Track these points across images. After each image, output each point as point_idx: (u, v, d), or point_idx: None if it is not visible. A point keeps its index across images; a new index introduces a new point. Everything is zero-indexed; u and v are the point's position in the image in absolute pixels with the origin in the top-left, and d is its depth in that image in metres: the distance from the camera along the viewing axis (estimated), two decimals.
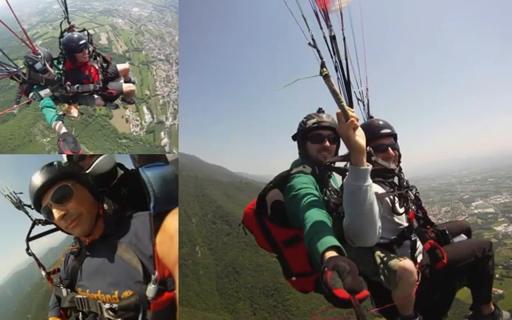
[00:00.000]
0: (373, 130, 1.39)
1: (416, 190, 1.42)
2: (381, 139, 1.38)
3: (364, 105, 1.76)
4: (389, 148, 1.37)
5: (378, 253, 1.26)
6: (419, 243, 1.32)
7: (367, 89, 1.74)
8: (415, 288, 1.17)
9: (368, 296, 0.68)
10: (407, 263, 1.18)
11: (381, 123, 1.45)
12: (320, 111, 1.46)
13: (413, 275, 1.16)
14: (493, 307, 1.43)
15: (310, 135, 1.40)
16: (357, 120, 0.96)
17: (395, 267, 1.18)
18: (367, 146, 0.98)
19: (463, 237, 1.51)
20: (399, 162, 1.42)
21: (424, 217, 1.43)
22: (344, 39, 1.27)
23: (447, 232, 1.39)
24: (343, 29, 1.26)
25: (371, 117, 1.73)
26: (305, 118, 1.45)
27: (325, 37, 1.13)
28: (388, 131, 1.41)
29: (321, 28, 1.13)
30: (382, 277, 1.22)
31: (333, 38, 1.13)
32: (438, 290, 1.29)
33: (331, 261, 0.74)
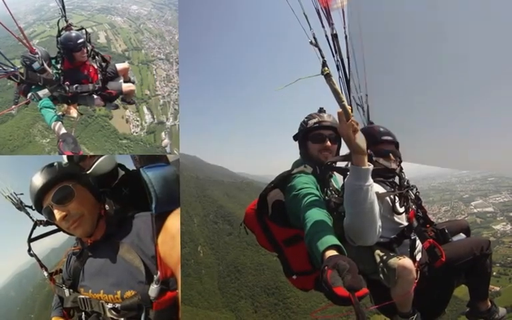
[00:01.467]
0: (375, 135, 1.39)
1: (416, 190, 1.43)
2: (382, 144, 1.38)
3: (363, 111, 1.77)
4: (390, 153, 1.37)
5: (377, 251, 1.27)
6: (418, 241, 1.33)
7: (366, 95, 1.75)
8: (414, 286, 1.18)
9: (367, 294, 0.69)
10: (406, 261, 1.19)
11: (381, 129, 1.44)
12: (321, 110, 1.46)
13: (411, 273, 1.18)
14: (489, 303, 1.44)
15: (311, 135, 1.39)
16: (357, 124, 0.96)
17: (394, 266, 1.19)
18: (367, 149, 0.98)
19: (462, 235, 1.52)
20: (400, 162, 1.42)
21: (424, 217, 1.44)
22: (346, 37, 1.27)
23: (446, 231, 1.40)
24: (344, 27, 1.26)
25: (371, 123, 1.72)
26: (306, 118, 1.45)
27: (326, 35, 1.13)
28: (389, 137, 1.41)
29: (323, 26, 1.13)
30: (381, 275, 1.23)
31: (334, 36, 1.13)
32: (436, 287, 1.30)
33: (331, 259, 0.75)
